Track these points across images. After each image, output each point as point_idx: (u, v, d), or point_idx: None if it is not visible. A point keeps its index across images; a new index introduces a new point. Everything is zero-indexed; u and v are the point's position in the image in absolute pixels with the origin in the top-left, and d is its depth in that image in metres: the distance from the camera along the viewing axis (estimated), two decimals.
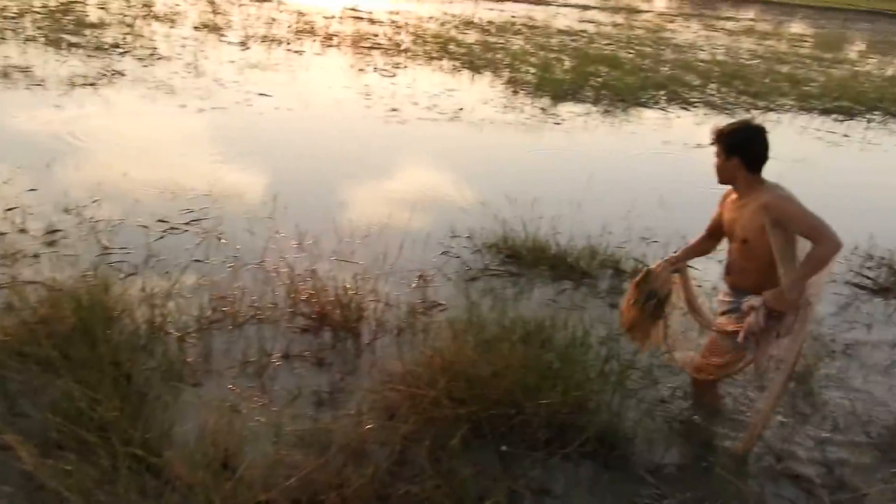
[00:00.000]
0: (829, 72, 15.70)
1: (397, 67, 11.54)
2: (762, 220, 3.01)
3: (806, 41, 22.72)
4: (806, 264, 2.96)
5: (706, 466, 3.14)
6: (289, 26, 14.34)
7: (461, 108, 9.28)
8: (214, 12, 15.12)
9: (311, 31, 13.97)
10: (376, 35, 14.48)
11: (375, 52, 12.57)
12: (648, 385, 3.67)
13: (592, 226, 5.67)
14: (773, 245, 3.00)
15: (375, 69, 11.21)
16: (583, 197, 6.29)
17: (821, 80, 14.18)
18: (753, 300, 3.07)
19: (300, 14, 16.12)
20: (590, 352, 3.63)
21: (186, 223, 5.06)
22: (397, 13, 18.70)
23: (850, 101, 12.33)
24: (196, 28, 13.13)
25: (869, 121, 11.20)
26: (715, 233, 3.46)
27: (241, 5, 16.92)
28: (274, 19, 15.09)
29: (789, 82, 13.67)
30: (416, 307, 4.17)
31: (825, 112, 11.45)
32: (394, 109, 8.89)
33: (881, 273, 5.42)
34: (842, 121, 11.05)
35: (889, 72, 16.89)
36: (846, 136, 10.10)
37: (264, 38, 12.67)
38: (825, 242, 2.90)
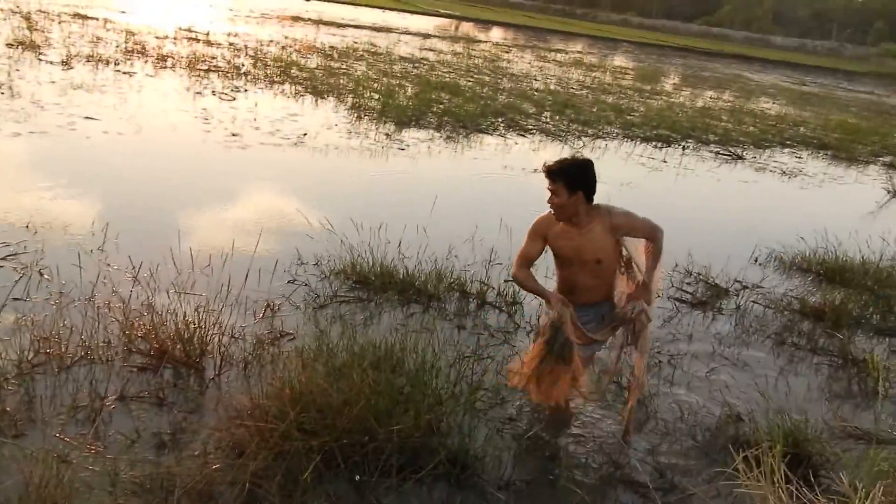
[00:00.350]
0: (648, 102, 17.07)
1: (237, 91, 11.25)
2: (614, 239, 3.37)
3: (627, 74, 24.57)
4: (655, 257, 3.43)
5: (552, 479, 3.28)
6: (117, 46, 13.57)
7: (305, 134, 9.19)
8: (31, 28, 14.00)
9: (143, 52, 13.31)
10: (214, 57, 14.04)
11: (213, 75, 12.18)
12: (496, 404, 3.78)
13: (438, 249, 5.80)
14: (628, 254, 3.44)
15: (214, 92, 10.86)
16: (428, 221, 6.41)
17: (641, 110, 15.38)
18: (642, 304, 3.43)
19: (129, 33, 15.34)
20: (440, 374, 3.69)
21: (1, 258, 4.63)
22: (236, 35, 18.26)
23: (667, 130, 13.46)
24: (10, 45, 12.09)
25: (684, 148, 12.26)
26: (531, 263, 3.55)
27: (61, 22, 15.82)
28: (99, 38, 14.24)
29: (614, 111, 14.71)
30: (263, 338, 4.06)
31: (646, 139, 12.41)
32: (234, 134, 8.64)
33: (699, 288, 5.92)
34: (661, 147, 12.01)
35: (699, 103, 18.59)
36: (665, 161, 10.99)
37: (89, 58, 11.91)
38: (659, 234, 3.45)
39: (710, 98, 20.43)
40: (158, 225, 5.61)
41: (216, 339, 3.91)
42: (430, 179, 8.29)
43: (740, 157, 12.13)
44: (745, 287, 6.05)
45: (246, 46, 16.27)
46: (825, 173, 11.92)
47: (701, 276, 6.10)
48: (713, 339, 5.10)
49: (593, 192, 3.33)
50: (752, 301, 5.79)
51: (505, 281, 5.39)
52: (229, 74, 12.46)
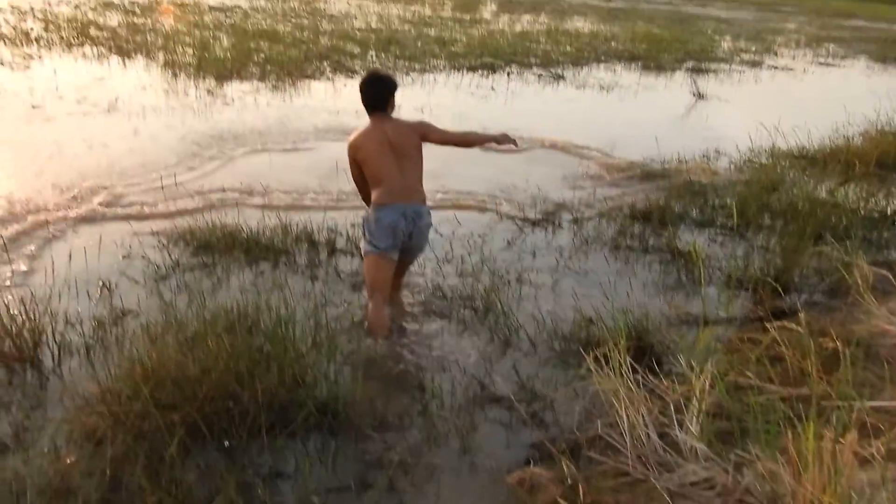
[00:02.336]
0: (469, 32, 17.23)
1: (31, 59, 10.20)
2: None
3: (446, 4, 24.61)
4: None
5: (422, 409, 3.36)
6: None
7: (117, 98, 8.53)
8: None
9: None
10: None
11: None
12: (360, 349, 3.80)
13: (280, 202, 5.69)
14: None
15: (2, 63, 9.78)
16: (268, 176, 6.22)
17: (464, 41, 15.52)
18: None
19: None
20: (297, 328, 3.65)
21: None
22: None
23: (490, 58, 13.70)
24: None
25: (509, 74, 12.56)
26: None
27: None
28: None
29: (438, 44, 14.75)
30: (104, 319, 3.82)
31: (472, 69, 12.59)
32: (35, 106, 7.88)
33: (537, 206, 6.18)
34: (487, 76, 12.24)
35: (517, 28, 19.03)
36: (493, 89, 11.23)
37: None
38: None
39: (527, 22, 20.93)
40: None
41: (49, 328, 3.63)
42: (261, 133, 7.95)
43: (561, 77, 12.61)
44: (580, 200, 6.37)
45: (32, 8, 14.72)
46: (638, 83, 12.65)
47: (538, 195, 6.36)
48: (556, 252, 5.35)
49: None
50: (587, 213, 6.13)
51: (352, 225, 5.37)
52: (18, 42, 11.25)
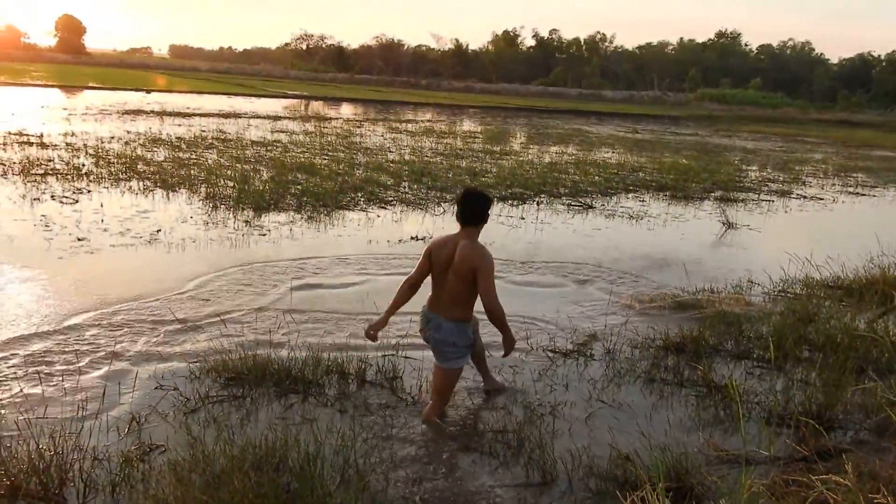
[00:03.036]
0: (499, 163, 17.79)
1: (80, 192, 10.71)
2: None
3: (477, 137, 25.58)
4: None
5: None
6: None
7: (159, 230, 8.85)
8: None
9: None
10: (51, 160, 13.34)
11: (52, 179, 11.54)
12: (388, 485, 3.70)
13: (310, 333, 5.74)
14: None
15: (54, 197, 10.28)
16: (295, 306, 6.32)
17: (494, 171, 16.00)
18: None
19: None
20: (326, 464, 3.58)
21: None
22: (73, 134, 17.47)
23: (520, 188, 14.06)
24: None
25: (538, 203, 12.82)
26: None
27: None
28: None
29: (469, 175, 15.21)
30: (131, 455, 3.79)
31: (502, 199, 12.89)
32: (81, 239, 8.18)
33: (569, 336, 6.14)
34: (517, 205, 12.51)
35: (546, 159, 19.60)
36: (522, 218, 11.44)
37: None
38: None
39: (556, 154, 21.57)
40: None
41: (77, 464, 3.61)
42: (292, 265, 8.12)
43: (591, 206, 12.83)
44: (612, 331, 6.32)
45: (85, 145, 15.58)
46: (667, 213, 12.80)
47: (569, 325, 6.33)
48: (588, 384, 5.26)
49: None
50: (620, 343, 6.05)
51: (383, 356, 5.37)
52: (69, 176, 11.86)
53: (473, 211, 4.40)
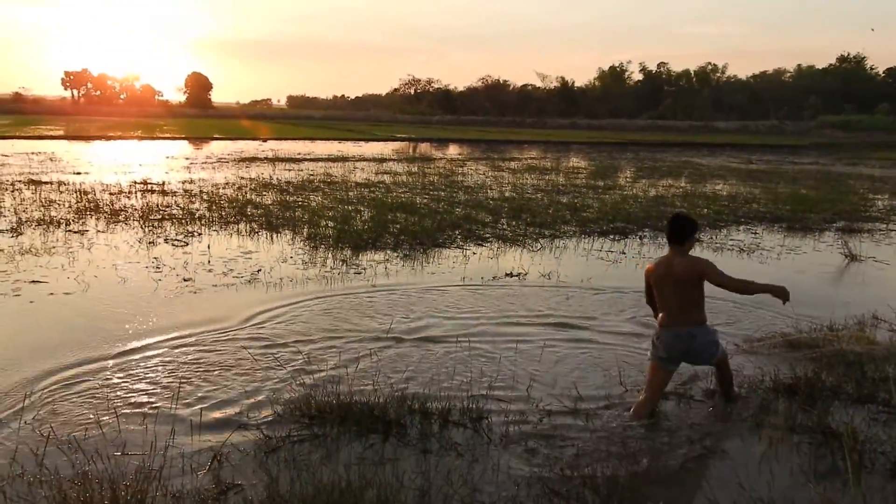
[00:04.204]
0: (602, 198, 17.40)
1: (191, 236, 11.23)
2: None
3: (581, 173, 25.22)
4: None
5: None
6: (69, 207, 13.60)
7: (259, 270, 9.11)
8: None
9: (95, 209, 13.34)
10: (168, 206, 14.13)
11: (167, 223, 12.19)
12: None
13: (395, 372, 5.67)
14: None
15: (167, 240, 10.82)
16: (383, 344, 6.28)
17: (596, 206, 15.63)
18: None
19: (82, 193, 15.43)
20: None
21: None
22: (191, 182, 18.50)
23: (622, 222, 13.65)
24: None
25: (641, 238, 12.38)
26: None
27: (14, 190, 15.89)
28: (52, 201, 14.26)
29: (570, 210, 14.93)
30: (207, 494, 3.79)
31: (603, 234, 12.54)
32: (187, 279, 8.53)
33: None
34: (618, 240, 12.12)
35: (652, 193, 19.01)
36: (623, 253, 11.05)
37: (40, 222, 11.88)
38: None
39: (663, 187, 20.91)
40: (90, 385, 5.37)
41: (159, 501, 3.64)
42: (385, 301, 8.11)
43: (699, 240, 12.25)
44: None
45: (201, 191, 16.44)
46: (782, 245, 12.04)
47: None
48: (689, 428, 4.89)
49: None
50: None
51: (468, 395, 5.21)
52: (184, 220, 12.48)
53: (682, 231, 4.92)
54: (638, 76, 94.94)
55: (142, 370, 5.69)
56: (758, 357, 6.31)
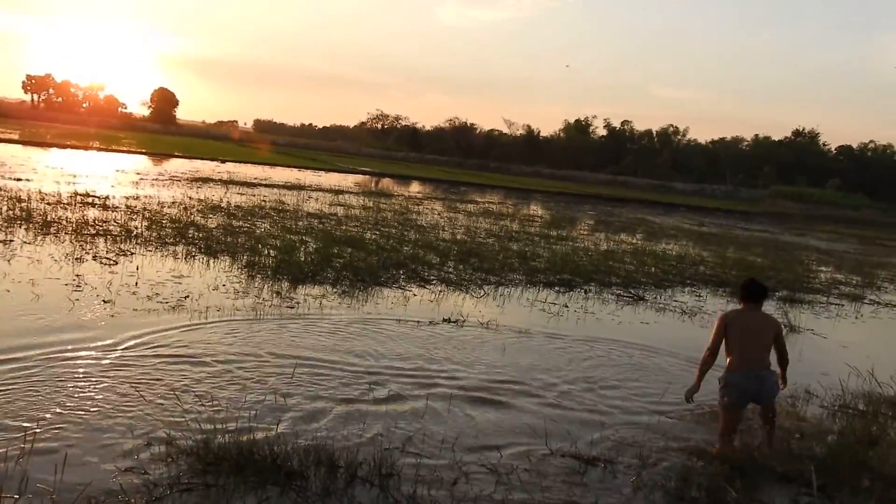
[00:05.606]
0: (553, 248, 17.34)
1: (122, 255, 10.76)
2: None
3: (535, 221, 25.26)
4: None
5: None
6: None
7: (187, 296, 8.71)
8: None
9: (27, 218, 12.76)
10: (106, 221, 13.60)
11: (101, 239, 11.69)
12: None
13: (304, 419, 5.36)
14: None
15: (95, 257, 10.34)
16: (293, 388, 5.96)
17: (546, 256, 15.54)
18: None
19: (17, 200, 14.79)
20: None
21: None
22: (136, 198, 17.95)
23: (570, 274, 13.54)
24: None
25: (586, 291, 12.28)
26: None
27: None
28: None
29: (519, 258, 14.80)
30: None
31: (549, 285, 12.40)
32: (107, 301, 8.09)
33: (599, 444, 5.55)
34: (563, 292, 11.99)
35: (603, 247, 19.05)
36: (566, 306, 10.90)
37: None
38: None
39: (615, 241, 21.02)
40: None
41: None
42: (307, 342, 7.78)
43: (641, 298, 12.21)
44: (650, 440, 5.71)
45: (144, 209, 15.92)
46: (724, 310, 12.02)
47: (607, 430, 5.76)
48: (614, 497, 4.66)
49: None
50: (653, 452, 5.44)
51: (385, 449, 4.91)
52: (119, 238, 12.00)
53: (763, 293, 5.85)
54: (602, 131, 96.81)
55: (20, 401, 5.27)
56: (687, 424, 6.14)
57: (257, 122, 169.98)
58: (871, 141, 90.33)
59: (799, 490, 5.04)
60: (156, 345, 6.76)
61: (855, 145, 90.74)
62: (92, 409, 5.17)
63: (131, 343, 6.72)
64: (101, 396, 5.42)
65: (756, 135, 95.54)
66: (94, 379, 5.75)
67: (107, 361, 6.18)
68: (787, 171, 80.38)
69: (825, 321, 12.20)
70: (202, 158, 41.48)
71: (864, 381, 7.54)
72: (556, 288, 12.27)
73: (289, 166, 44.36)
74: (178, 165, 34.25)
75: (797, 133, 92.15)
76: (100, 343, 6.63)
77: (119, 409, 5.23)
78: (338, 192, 28.69)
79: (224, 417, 5.19)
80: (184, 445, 4.67)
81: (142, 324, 7.38)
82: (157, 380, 5.88)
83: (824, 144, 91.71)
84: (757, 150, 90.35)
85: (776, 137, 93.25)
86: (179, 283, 9.38)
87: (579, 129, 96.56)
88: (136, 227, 13.21)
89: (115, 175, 24.83)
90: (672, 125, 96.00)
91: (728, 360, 5.58)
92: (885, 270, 21.80)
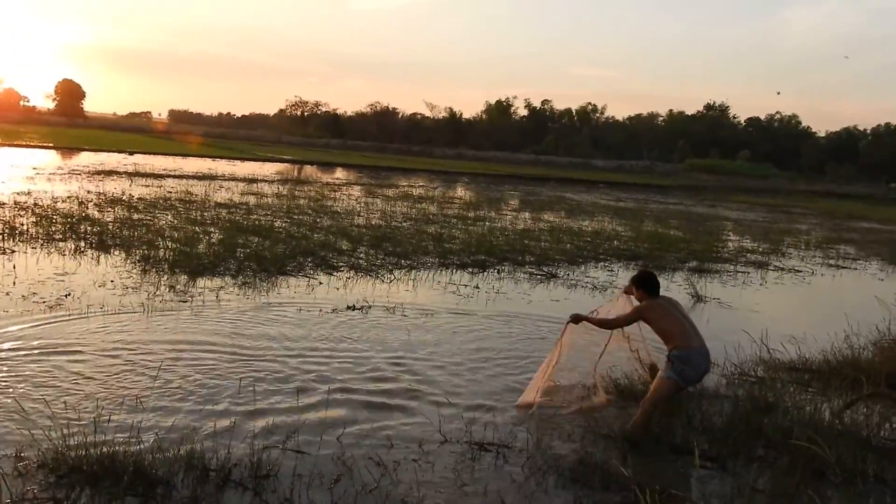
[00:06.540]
0: (470, 229, 17.18)
1: (1, 253, 10.00)
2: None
3: (454, 203, 25.08)
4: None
5: None
6: None
7: (68, 294, 8.13)
8: None
9: None
10: None
11: None
12: None
13: (178, 422, 4.98)
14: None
15: None
16: (165, 385, 5.57)
17: (462, 238, 15.36)
18: None
19: None
20: None
21: None
22: (27, 194, 16.85)
23: (484, 255, 13.40)
24: None
25: (499, 271, 12.15)
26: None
27: None
28: None
29: (434, 241, 14.58)
30: None
31: (462, 266, 12.23)
32: None
33: (492, 432, 5.37)
34: (476, 273, 11.83)
35: (520, 226, 19.03)
36: (477, 287, 10.74)
37: None
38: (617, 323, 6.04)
39: (532, 220, 21.05)
40: None
41: None
42: (190, 332, 7.36)
43: (554, 276, 12.17)
44: (539, 417, 5.56)
45: (35, 204, 14.95)
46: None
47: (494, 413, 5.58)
48: (506, 482, 4.47)
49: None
50: (547, 433, 5.29)
51: (265, 447, 4.60)
52: (1, 235, 11.18)
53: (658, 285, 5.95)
54: (523, 111, 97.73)
55: None
56: (569, 405, 6.03)
57: (172, 113, 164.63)
58: (777, 112, 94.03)
59: (692, 462, 4.97)
60: (16, 343, 6.22)
61: (763, 117, 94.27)
62: None
63: None
64: None
65: (671, 110, 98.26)
66: None
67: None
68: (701, 145, 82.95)
69: (731, 289, 12.44)
70: (108, 150, 39.65)
71: (763, 348, 7.61)
72: (470, 269, 12.10)
73: (203, 156, 42.90)
74: (81, 159, 32.63)
75: (709, 107, 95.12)
76: None
77: None
78: (251, 181, 27.83)
79: (82, 420, 4.76)
80: (35, 457, 4.24)
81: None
82: (14, 382, 5.38)
83: (734, 117, 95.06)
84: (672, 125, 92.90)
85: (689, 112, 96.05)
86: (62, 281, 8.77)
87: (501, 110, 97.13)
88: (22, 224, 12.36)
89: (8, 171, 23.36)
90: (591, 103, 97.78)
91: (673, 342, 5.46)
92: (790, 237, 22.58)
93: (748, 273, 14.36)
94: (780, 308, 11.63)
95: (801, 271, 15.32)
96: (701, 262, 14.99)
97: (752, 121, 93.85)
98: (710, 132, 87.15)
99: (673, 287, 12.11)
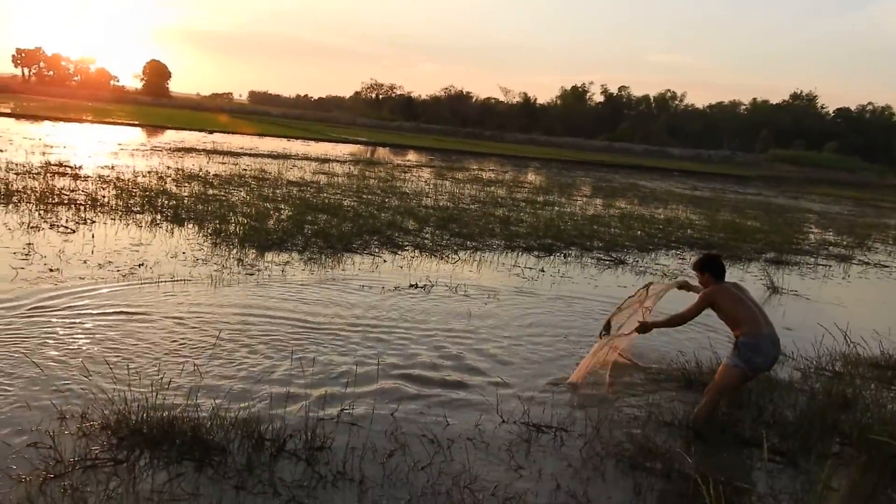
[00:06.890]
0: (538, 213, 16.95)
1: (83, 223, 10.39)
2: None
3: (524, 187, 24.81)
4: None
5: None
6: None
7: (141, 264, 8.37)
8: None
9: None
10: (73, 190, 13.20)
11: (62, 208, 11.31)
12: None
13: (240, 388, 5.03)
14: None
15: (53, 226, 9.97)
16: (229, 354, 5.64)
17: (529, 221, 15.16)
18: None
19: None
20: None
21: None
22: (111, 168, 17.51)
23: (551, 239, 13.19)
24: None
25: (566, 255, 11.93)
26: None
27: None
28: None
29: (501, 223, 14.44)
30: None
31: (528, 249, 12.05)
32: (53, 269, 7.74)
33: (550, 412, 5.25)
34: (542, 256, 11.64)
35: (590, 212, 18.66)
36: (542, 270, 10.56)
37: None
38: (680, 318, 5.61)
39: (603, 206, 20.62)
40: None
41: None
42: (250, 310, 7.43)
43: (622, 262, 11.86)
44: (598, 404, 5.40)
45: (117, 178, 15.50)
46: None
47: (553, 399, 5.45)
48: (563, 466, 4.36)
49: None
50: (607, 419, 5.13)
51: (319, 419, 4.61)
52: (83, 206, 11.62)
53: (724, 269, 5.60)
54: (599, 98, 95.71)
55: None
56: (647, 392, 5.83)
57: (252, 94, 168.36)
58: (869, 103, 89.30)
59: (760, 455, 4.73)
60: (86, 307, 6.43)
61: (853, 108, 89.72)
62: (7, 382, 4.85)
63: (48, 304, 6.39)
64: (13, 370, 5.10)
65: (754, 99, 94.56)
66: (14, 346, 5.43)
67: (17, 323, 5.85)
68: (785, 135, 79.61)
69: (810, 282, 11.87)
70: (190, 129, 40.84)
71: (843, 342, 7.21)
72: (536, 252, 11.92)
73: (279, 136, 43.73)
74: (164, 137, 33.71)
75: (795, 96, 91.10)
76: (14, 303, 6.30)
77: (36, 381, 4.90)
78: (324, 160, 28.19)
79: (147, 385, 4.87)
80: (99, 418, 4.35)
81: (75, 286, 7.05)
82: (86, 345, 5.55)
83: (822, 107, 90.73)
84: (754, 115, 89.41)
85: (774, 101, 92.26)
86: (136, 252, 9.03)
87: (576, 95, 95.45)
88: (104, 196, 12.82)
89: (95, 146, 24.32)
90: (669, 90, 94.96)
91: (741, 328, 5.10)
92: (877, 231, 21.44)
93: (829, 266, 13.69)
94: (862, 303, 11.03)
95: (887, 266, 14.52)
96: (779, 254, 14.37)
97: (842, 111, 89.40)
98: (795, 122, 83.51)
99: (748, 278, 11.65)
